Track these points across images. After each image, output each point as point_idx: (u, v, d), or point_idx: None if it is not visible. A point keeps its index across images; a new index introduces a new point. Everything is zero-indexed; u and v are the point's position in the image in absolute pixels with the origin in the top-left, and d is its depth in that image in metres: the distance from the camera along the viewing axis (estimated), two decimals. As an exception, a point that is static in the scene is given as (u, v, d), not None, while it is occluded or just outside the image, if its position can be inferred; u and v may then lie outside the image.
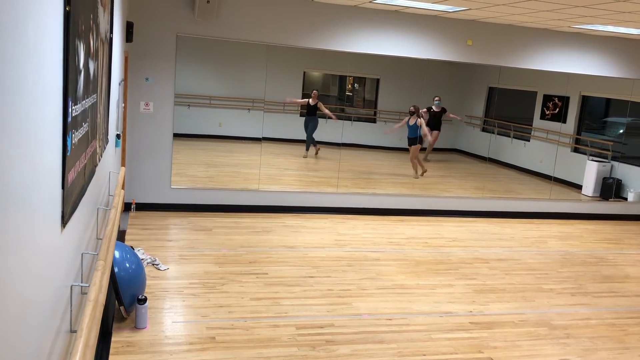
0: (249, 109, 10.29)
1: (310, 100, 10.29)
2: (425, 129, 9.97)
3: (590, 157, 10.52)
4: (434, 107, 10.71)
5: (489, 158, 10.62)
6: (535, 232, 8.41)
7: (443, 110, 10.86)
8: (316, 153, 10.66)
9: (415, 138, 9.94)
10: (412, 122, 9.85)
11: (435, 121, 10.74)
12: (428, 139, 10.42)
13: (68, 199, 2.23)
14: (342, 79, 12.07)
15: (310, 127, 10.45)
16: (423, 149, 10.64)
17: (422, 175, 10.21)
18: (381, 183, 10.45)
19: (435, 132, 10.78)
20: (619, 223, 9.49)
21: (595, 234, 8.71)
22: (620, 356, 4.62)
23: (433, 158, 11.63)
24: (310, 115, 10.36)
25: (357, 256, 6.60)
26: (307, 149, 10.62)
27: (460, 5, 7.27)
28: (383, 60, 8.75)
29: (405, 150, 10.29)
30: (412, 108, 9.87)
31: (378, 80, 11.70)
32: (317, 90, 10.61)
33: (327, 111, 10.24)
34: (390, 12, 8.18)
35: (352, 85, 12.26)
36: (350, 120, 11.16)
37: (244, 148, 10.37)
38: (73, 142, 2.30)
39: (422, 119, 9.84)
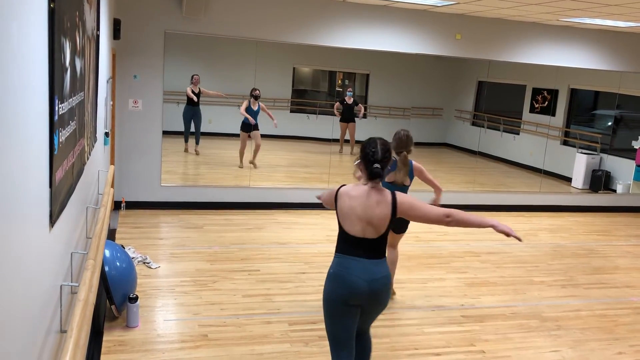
0: (239, 105, 10.26)
1: (192, 87, 9.46)
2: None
3: (580, 150, 10.58)
4: (346, 99, 10.58)
5: (479, 152, 10.66)
6: (525, 225, 8.45)
7: (355, 103, 10.65)
8: (196, 151, 10.01)
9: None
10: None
11: (348, 113, 10.58)
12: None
13: (56, 198, 2.21)
14: (332, 74, 12.07)
15: (197, 118, 9.66)
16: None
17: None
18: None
19: (350, 124, 10.55)
20: (608, 215, 9.56)
21: (585, 226, 8.77)
22: (610, 347, 4.66)
23: (423, 152, 11.65)
24: (195, 105, 9.57)
25: (348, 251, 6.60)
26: (198, 142, 9.88)
27: (448, 0, 7.28)
28: (372, 55, 8.74)
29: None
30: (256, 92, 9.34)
31: (368, 75, 11.71)
32: (198, 75, 9.49)
33: (212, 92, 9.51)
34: (379, 6, 8.17)
35: (342, 80, 12.26)
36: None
37: (234, 145, 10.34)
38: (60, 140, 2.28)
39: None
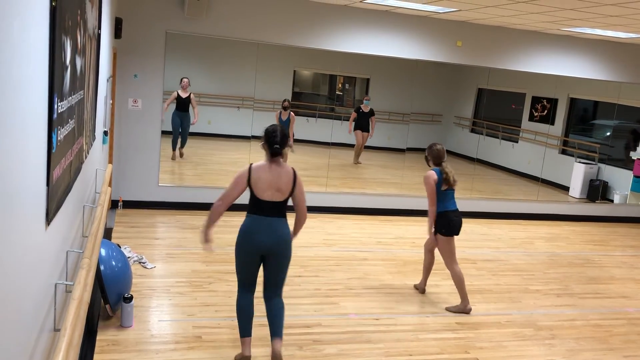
0: (238, 107, 10.26)
1: (180, 92, 9.15)
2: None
3: (578, 159, 10.60)
4: (362, 107, 10.53)
5: (478, 159, 10.67)
6: (522, 233, 8.46)
7: (371, 112, 10.55)
8: (181, 155, 9.63)
9: None
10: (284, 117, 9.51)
11: (364, 122, 10.48)
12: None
13: (53, 196, 2.21)
14: (333, 78, 12.07)
15: (184, 123, 9.32)
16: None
17: None
18: (370, 183, 10.46)
19: (365, 133, 10.46)
20: (605, 225, 9.57)
21: (582, 235, 8.78)
22: (604, 357, 4.66)
23: (422, 158, 11.65)
24: (183, 110, 9.24)
25: (345, 256, 6.60)
26: (182, 146, 9.54)
27: (450, 7, 7.29)
28: (373, 60, 8.75)
29: (395, 150, 10.30)
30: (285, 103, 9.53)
31: (368, 80, 11.72)
32: (187, 78, 9.20)
33: (196, 109, 9.32)
34: (381, 12, 8.18)
35: (343, 84, 12.27)
36: (340, 119, 11.16)
37: (233, 146, 10.35)
38: (59, 138, 2.27)
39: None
